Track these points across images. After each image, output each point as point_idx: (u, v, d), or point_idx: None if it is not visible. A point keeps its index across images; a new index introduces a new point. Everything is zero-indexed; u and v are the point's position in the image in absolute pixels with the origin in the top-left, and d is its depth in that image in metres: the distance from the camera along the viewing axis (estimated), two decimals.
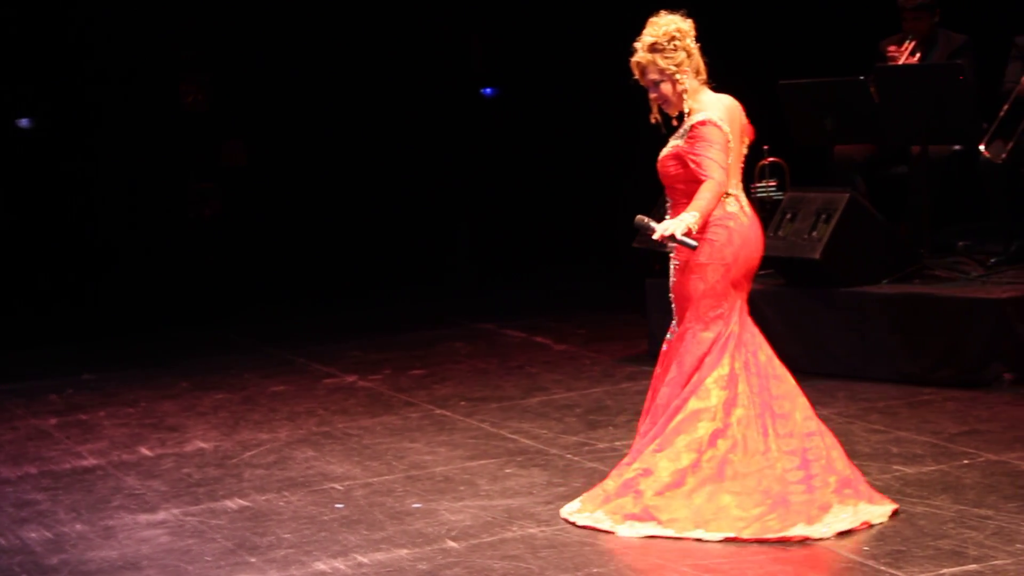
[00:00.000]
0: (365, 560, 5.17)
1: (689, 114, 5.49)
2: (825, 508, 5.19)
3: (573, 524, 5.41)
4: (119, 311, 10.89)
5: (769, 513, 5.17)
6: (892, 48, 8.37)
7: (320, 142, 11.70)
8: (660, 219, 5.48)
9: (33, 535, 5.73)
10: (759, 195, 8.22)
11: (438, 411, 7.42)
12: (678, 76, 5.45)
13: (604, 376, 8.04)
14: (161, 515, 5.88)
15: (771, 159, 8.25)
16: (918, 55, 8.33)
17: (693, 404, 5.38)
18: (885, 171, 8.56)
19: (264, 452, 6.79)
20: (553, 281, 11.26)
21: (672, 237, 5.26)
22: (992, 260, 7.89)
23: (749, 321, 5.56)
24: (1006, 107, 7.71)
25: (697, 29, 5.51)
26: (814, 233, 7.62)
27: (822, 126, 8.06)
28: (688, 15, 5.49)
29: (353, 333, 9.79)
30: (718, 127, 5.41)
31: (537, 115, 11.88)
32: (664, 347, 5.64)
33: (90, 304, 10.93)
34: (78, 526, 5.80)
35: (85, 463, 6.80)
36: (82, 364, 9.19)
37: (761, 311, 7.84)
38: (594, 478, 5.95)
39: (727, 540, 5.12)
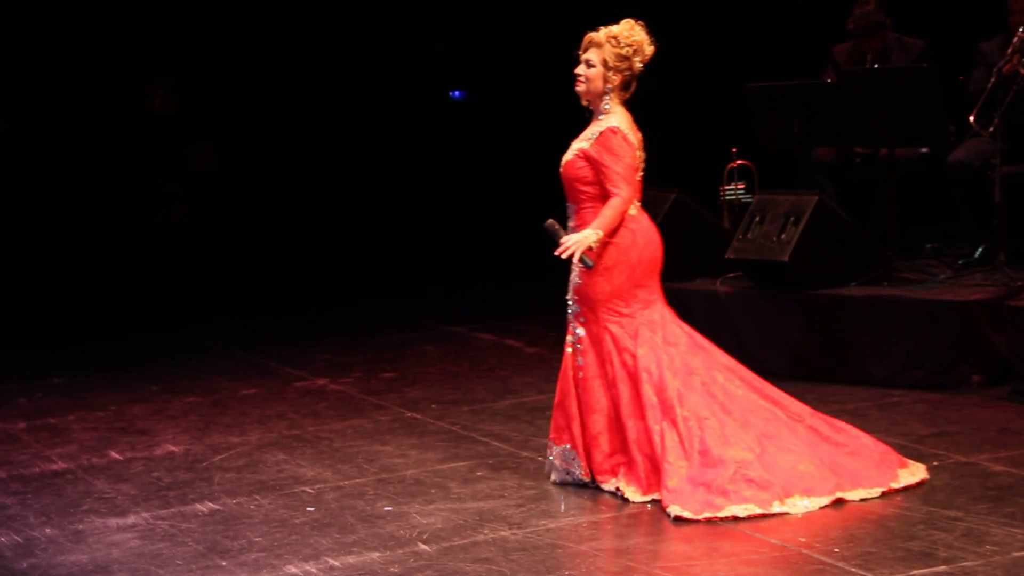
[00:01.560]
0: (336, 563, 5.17)
1: (599, 115, 5.76)
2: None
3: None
4: (88, 314, 10.85)
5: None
6: None
7: (289, 146, 11.69)
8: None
9: (2, 539, 5.69)
10: (728, 198, 8.26)
11: (409, 414, 7.42)
12: (610, 74, 5.72)
13: None
14: (131, 519, 5.86)
15: (740, 162, 8.29)
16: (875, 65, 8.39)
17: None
18: (853, 174, 8.61)
19: (235, 455, 6.77)
20: (523, 284, 11.27)
21: (572, 256, 5.61)
22: (960, 262, 7.94)
23: (671, 315, 5.84)
24: (992, 80, 7.68)
25: (658, 49, 5.74)
26: (783, 236, 7.65)
27: (789, 129, 8.09)
28: (655, 41, 5.74)
29: (323, 336, 9.78)
30: (626, 139, 5.70)
31: (504, 117, 11.90)
32: (571, 350, 5.84)
33: (59, 307, 10.89)
34: (48, 530, 5.77)
35: (55, 467, 6.77)
36: (51, 367, 9.15)
37: (730, 313, 7.89)
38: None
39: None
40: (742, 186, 8.27)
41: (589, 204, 5.74)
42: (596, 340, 5.79)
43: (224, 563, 5.24)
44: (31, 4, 10.87)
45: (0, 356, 9.73)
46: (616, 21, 5.74)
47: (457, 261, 11.70)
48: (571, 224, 5.81)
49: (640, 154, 5.77)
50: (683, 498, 5.39)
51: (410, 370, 8.54)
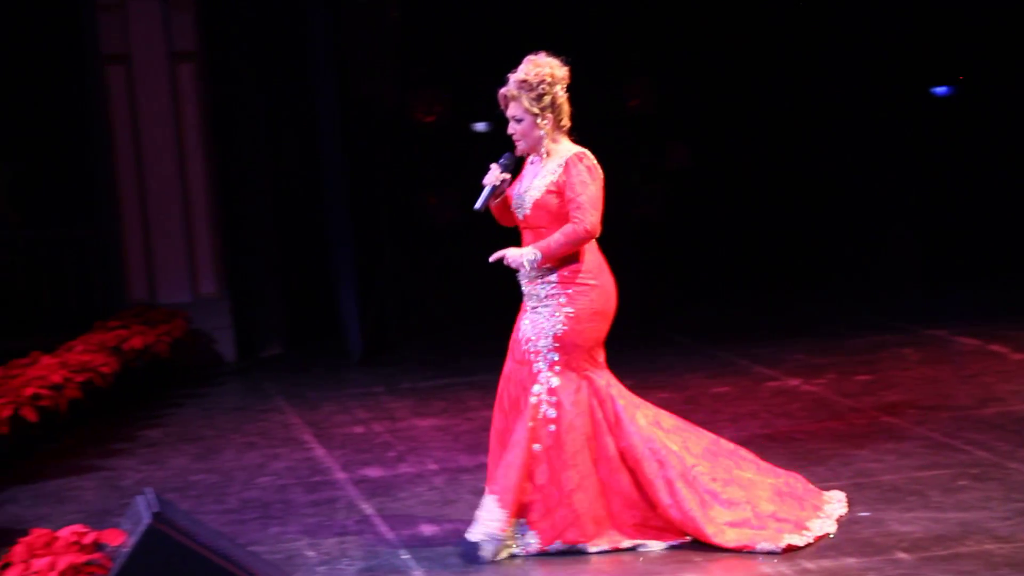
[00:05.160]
0: (811, 566, 5.09)
1: (548, 155, 5.47)
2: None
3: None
4: None
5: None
6: None
7: (762, 143, 11.63)
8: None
9: None
10: None
11: (885, 418, 7.22)
12: (539, 120, 5.43)
13: None
14: None
15: None
16: None
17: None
18: None
19: None
20: (1011, 287, 10.75)
21: (519, 265, 5.41)
22: None
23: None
24: None
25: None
26: None
27: None
28: (566, 63, 5.49)
29: (796, 335, 9.67)
30: (591, 168, 5.41)
31: (996, 114, 11.38)
32: (535, 400, 5.45)
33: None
34: None
35: None
36: None
37: None
38: None
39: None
40: None
41: (559, 228, 5.45)
42: (572, 391, 5.47)
43: (698, 559, 5.28)
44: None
45: (487, 348, 10.11)
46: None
47: (938, 261, 11.26)
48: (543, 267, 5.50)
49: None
50: (742, 540, 5.27)
51: (887, 373, 8.31)
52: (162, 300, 10.36)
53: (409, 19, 10.88)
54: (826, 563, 5.11)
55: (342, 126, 10.14)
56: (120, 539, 4.78)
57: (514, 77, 5.49)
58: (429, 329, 10.76)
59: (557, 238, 5.40)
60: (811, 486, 5.76)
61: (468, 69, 11.12)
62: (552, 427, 5.42)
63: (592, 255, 5.52)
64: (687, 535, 5.36)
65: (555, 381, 5.46)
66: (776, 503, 5.47)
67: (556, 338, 5.45)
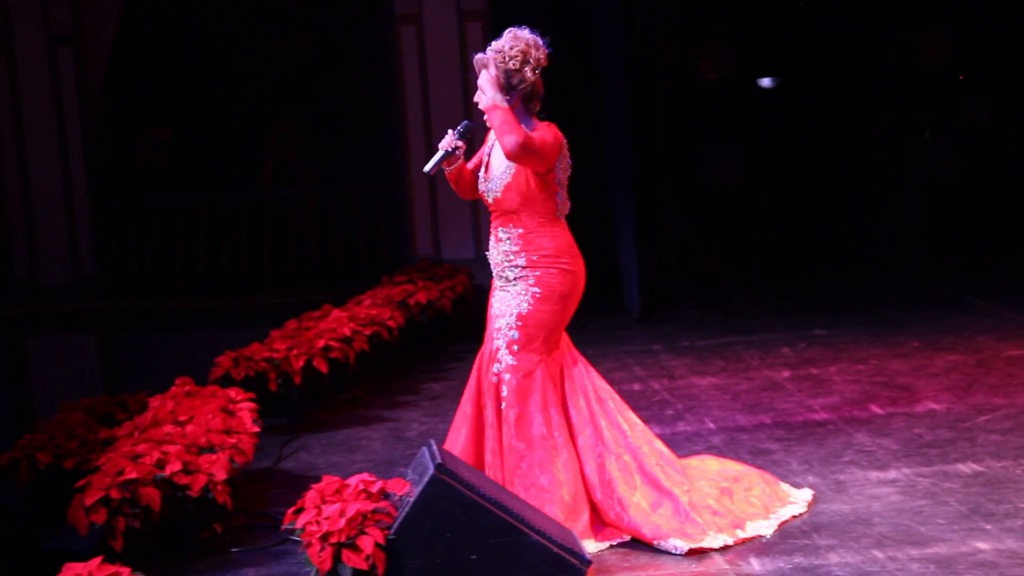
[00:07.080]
0: None
1: None
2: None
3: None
4: (835, 266, 10.93)
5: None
6: None
7: None
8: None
9: None
10: None
11: None
12: (502, 95, 5.19)
13: None
14: (892, 474, 5.84)
15: None
16: None
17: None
18: None
19: (1000, 417, 6.55)
20: None
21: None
22: None
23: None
24: None
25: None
26: None
27: None
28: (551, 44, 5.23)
29: None
30: (554, 138, 5.24)
31: None
32: (496, 380, 5.30)
33: (818, 260, 11.06)
34: (810, 478, 5.88)
35: (816, 416, 6.90)
36: (814, 320, 9.32)
37: None
38: None
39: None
40: None
41: (530, 211, 5.28)
42: (525, 373, 5.25)
43: (988, 527, 5.09)
44: None
45: (767, 307, 10.05)
46: None
47: None
48: (515, 235, 5.32)
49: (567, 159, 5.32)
50: (660, 530, 5.10)
51: None
52: (446, 256, 10.57)
53: None
54: None
55: (625, 83, 10.12)
56: (405, 488, 4.90)
57: (492, 45, 5.30)
58: (709, 287, 10.67)
59: (509, 118, 5.15)
60: (777, 487, 5.56)
61: (753, 25, 10.96)
62: (503, 404, 5.34)
63: (561, 238, 5.36)
64: (624, 533, 5.22)
65: (511, 360, 5.33)
66: (716, 499, 5.32)
67: (520, 316, 5.32)
